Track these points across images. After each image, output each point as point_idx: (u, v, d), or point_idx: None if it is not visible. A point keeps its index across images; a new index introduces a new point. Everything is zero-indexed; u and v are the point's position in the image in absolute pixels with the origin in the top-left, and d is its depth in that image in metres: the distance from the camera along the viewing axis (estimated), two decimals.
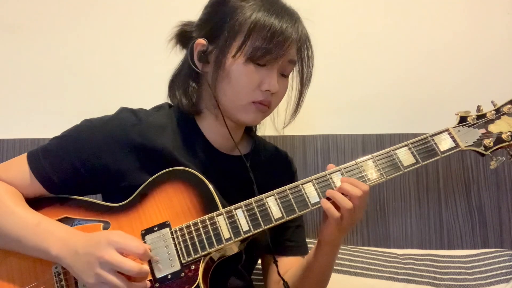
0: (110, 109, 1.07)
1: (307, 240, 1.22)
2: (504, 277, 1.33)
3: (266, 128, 1.22)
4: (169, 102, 1.13)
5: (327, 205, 0.93)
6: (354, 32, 1.59)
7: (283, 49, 0.99)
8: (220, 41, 1.01)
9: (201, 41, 1.04)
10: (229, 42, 0.99)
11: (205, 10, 1.08)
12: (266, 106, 1.03)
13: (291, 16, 1.02)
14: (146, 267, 0.88)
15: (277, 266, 1.06)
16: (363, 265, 1.36)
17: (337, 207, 0.93)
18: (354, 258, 1.38)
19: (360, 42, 1.59)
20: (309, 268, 1.06)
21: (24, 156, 1.03)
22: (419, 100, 1.57)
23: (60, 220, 1.00)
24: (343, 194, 0.93)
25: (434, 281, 1.34)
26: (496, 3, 1.59)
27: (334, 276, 1.09)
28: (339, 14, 1.60)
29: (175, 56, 1.13)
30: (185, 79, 1.09)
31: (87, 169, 1.01)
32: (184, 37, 1.10)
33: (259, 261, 1.21)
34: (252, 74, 1.00)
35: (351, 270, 1.35)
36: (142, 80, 1.58)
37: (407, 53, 1.58)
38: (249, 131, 1.19)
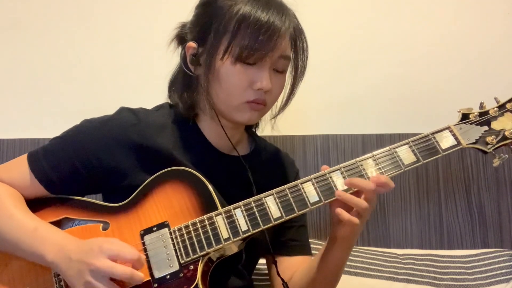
0: (110, 109, 1.07)
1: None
2: (504, 277, 1.33)
3: (266, 127, 1.20)
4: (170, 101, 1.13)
5: (343, 213, 0.91)
6: (354, 31, 1.59)
7: (271, 44, 0.96)
8: (208, 44, 1.00)
9: (192, 44, 1.03)
10: (216, 44, 0.98)
11: (194, 12, 1.07)
12: (261, 105, 1.01)
13: (279, 8, 0.98)
14: (139, 273, 0.87)
15: (276, 266, 1.05)
16: (363, 265, 1.36)
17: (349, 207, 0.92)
18: (354, 258, 1.38)
19: (360, 41, 1.59)
20: (321, 267, 1.03)
21: (24, 157, 1.03)
22: (420, 100, 1.57)
23: (60, 221, 1.00)
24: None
25: (434, 281, 1.34)
26: (496, 3, 1.59)
27: None
28: (338, 12, 1.60)
29: (177, 56, 1.11)
30: (180, 82, 1.08)
31: (87, 169, 1.01)
32: (181, 38, 1.09)
33: (264, 262, 1.20)
34: (242, 74, 0.98)
35: (351, 270, 1.35)
36: (142, 79, 1.58)
37: (407, 53, 1.58)
38: (250, 130, 1.18)
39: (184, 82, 1.07)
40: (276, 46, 0.97)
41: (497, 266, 1.35)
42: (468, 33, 1.58)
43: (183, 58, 1.06)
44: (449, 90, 1.57)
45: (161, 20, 1.56)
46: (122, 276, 0.84)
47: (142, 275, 0.88)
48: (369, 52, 1.58)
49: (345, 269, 1.35)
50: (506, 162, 0.97)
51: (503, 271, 1.34)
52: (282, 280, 1.04)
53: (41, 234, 0.93)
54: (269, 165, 1.16)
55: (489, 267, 1.35)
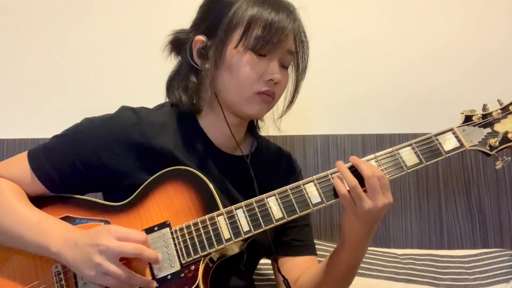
0: (110, 108, 1.07)
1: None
2: (504, 277, 1.33)
3: (270, 128, 1.21)
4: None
5: (337, 181, 0.93)
6: (354, 31, 1.59)
7: (283, 36, 0.99)
8: (219, 34, 1.01)
9: (200, 37, 1.04)
10: (229, 33, 1.00)
11: (201, 9, 1.08)
12: (270, 97, 1.03)
13: (287, 7, 1.02)
14: (150, 250, 0.89)
15: (277, 264, 1.06)
16: (363, 265, 1.36)
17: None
18: None
19: (360, 41, 1.59)
20: (330, 270, 1.02)
21: (24, 155, 1.03)
22: (420, 100, 1.57)
23: (61, 219, 0.99)
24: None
25: (434, 281, 1.34)
26: (496, 3, 1.59)
27: None
28: (338, 12, 1.60)
29: (170, 62, 1.12)
30: (184, 76, 1.08)
31: (87, 168, 1.01)
32: (178, 43, 1.10)
33: (265, 262, 1.20)
34: (254, 64, 1.00)
35: None
36: (142, 78, 1.58)
37: (407, 53, 1.58)
38: (252, 130, 1.18)
39: (189, 78, 1.07)
40: (287, 39, 1.01)
41: (497, 266, 1.36)
42: (469, 34, 1.58)
43: (189, 52, 1.06)
44: (450, 91, 1.57)
45: (161, 19, 1.56)
46: (133, 253, 0.86)
47: (153, 252, 0.89)
48: (369, 53, 1.58)
49: None
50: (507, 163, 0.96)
51: (503, 271, 1.34)
52: (283, 277, 1.05)
53: (45, 226, 0.93)
54: (271, 164, 1.16)
55: (489, 267, 1.36)
